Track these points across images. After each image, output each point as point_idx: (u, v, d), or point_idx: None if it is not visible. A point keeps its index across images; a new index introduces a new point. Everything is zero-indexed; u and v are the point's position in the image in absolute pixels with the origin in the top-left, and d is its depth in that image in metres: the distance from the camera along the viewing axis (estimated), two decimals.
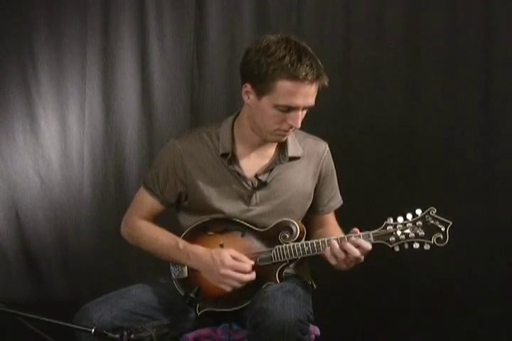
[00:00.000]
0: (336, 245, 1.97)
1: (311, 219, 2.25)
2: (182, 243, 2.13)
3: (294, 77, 1.93)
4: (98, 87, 3.42)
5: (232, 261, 2.04)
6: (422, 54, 3.16)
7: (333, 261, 2.00)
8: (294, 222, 2.08)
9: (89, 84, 3.41)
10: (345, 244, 1.96)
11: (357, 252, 1.96)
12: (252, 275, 2.04)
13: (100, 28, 3.38)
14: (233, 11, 3.29)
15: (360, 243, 1.96)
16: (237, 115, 2.17)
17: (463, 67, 3.13)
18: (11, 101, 3.40)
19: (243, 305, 2.06)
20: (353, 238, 1.97)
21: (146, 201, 2.22)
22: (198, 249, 2.10)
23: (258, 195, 2.13)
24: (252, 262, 2.06)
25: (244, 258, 2.06)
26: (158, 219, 2.26)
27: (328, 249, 1.99)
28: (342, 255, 1.96)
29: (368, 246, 1.96)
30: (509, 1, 3.04)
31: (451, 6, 3.13)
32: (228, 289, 2.05)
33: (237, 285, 2.03)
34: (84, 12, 3.37)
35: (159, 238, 2.18)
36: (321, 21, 3.24)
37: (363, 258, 1.99)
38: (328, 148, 2.24)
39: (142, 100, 3.42)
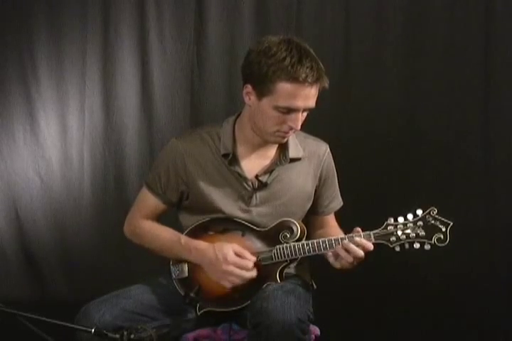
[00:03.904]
0: (340, 248, 1.97)
1: (311, 220, 2.25)
2: (184, 238, 2.13)
3: (293, 79, 1.92)
4: (98, 87, 3.42)
5: (234, 258, 2.02)
6: (422, 54, 3.17)
7: (337, 265, 2.00)
8: (295, 222, 2.08)
9: (89, 84, 3.41)
10: (348, 244, 1.96)
11: (361, 252, 1.96)
12: (254, 273, 2.03)
13: (100, 28, 3.38)
14: (233, 11, 3.29)
15: (363, 243, 1.96)
16: (239, 115, 2.16)
17: (463, 66, 3.13)
18: (11, 102, 3.40)
19: (243, 305, 2.05)
20: (356, 238, 1.97)
21: (148, 201, 2.21)
22: (200, 244, 2.09)
23: (258, 195, 2.13)
24: (254, 258, 2.04)
25: (247, 253, 2.04)
26: (160, 219, 2.25)
27: (330, 254, 2.00)
28: (350, 258, 1.96)
29: (370, 246, 1.96)
30: (509, 0, 3.05)
31: (451, 6, 3.13)
32: (229, 286, 2.04)
33: (238, 282, 2.03)
34: (84, 12, 3.37)
35: (162, 234, 2.18)
36: (321, 21, 3.24)
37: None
38: (328, 149, 2.23)
39: (142, 100, 3.42)
